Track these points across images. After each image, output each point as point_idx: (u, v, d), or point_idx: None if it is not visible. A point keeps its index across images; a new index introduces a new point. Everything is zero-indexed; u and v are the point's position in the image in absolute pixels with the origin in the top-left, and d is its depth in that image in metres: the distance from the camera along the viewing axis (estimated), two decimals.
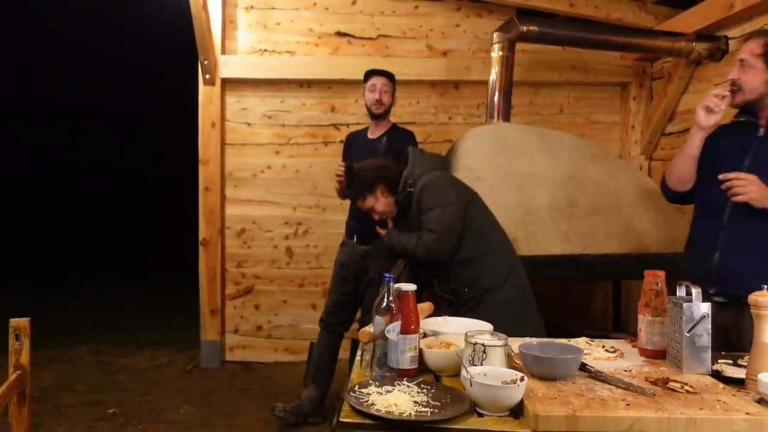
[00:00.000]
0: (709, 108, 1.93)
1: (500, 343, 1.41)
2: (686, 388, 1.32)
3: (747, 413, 1.20)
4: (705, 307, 1.47)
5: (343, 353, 3.48)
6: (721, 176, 1.84)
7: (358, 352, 1.63)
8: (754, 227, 1.88)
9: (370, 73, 3.30)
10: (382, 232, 2.55)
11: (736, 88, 1.92)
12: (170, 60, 9.26)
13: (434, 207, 2.34)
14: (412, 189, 2.43)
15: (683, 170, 2.08)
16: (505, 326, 1.70)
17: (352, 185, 2.56)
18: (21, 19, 12.50)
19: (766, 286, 1.43)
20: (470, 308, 2.30)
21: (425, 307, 1.93)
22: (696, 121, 1.97)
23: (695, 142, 2.01)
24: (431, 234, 2.31)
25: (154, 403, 3.56)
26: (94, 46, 12.90)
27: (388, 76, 3.28)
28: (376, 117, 3.29)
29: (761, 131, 1.96)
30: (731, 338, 1.88)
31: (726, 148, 2.00)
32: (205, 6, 3.92)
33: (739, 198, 1.82)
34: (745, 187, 1.81)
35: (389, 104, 3.29)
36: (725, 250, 1.91)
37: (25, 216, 12.23)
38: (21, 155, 12.67)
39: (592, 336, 1.82)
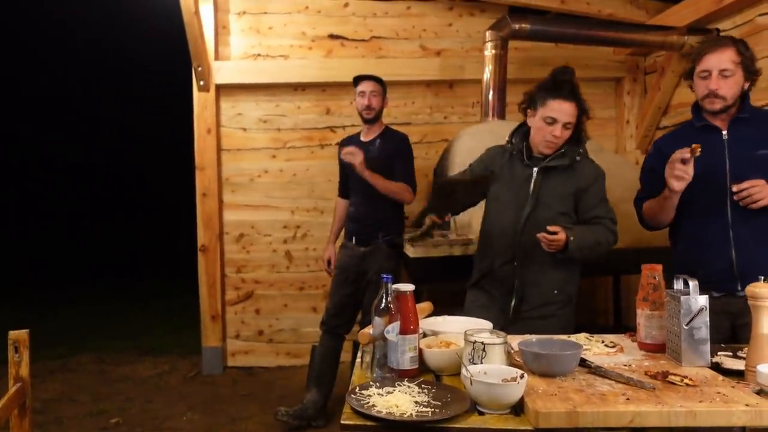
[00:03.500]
0: (679, 176, 1.90)
1: (499, 341, 1.41)
2: (686, 381, 1.33)
3: (746, 405, 1.20)
4: (702, 300, 1.47)
5: (345, 356, 3.48)
6: (735, 188, 1.91)
7: (358, 354, 1.63)
8: (762, 219, 1.93)
9: (358, 79, 3.32)
10: (558, 231, 2.03)
11: (698, 150, 1.84)
12: (164, 67, 9.27)
13: (606, 197, 2.24)
14: (578, 159, 2.20)
15: (664, 218, 2.10)
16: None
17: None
18: (15, 25, 12.49)
19: (763, 278, 1.43)
20: (550, 313, 2.14)
21: (424, 306, 1.93)
22: (670, 187, 1.93)
23: (674, 202, 2.00)
24: (615, 224, 2.20)
25: (157, 411, 3.56)
26: (88, 54, 12.90)
27: (376, 80, 3.29)
28: (368, 122, 3.31)
29: (725, 134, 2.02)
30: None
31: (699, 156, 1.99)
32: (197, 12, 3.92)
33: (761, 203, 1.88)
34: (762, 192, 1.87)
35: (379, 108, 3.30)
36: (741, 246, 1.94)
37: (22, 224, 12.22)
38: (18, 162, 12.66)
39: (593, 331, 1.82)
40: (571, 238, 2.03)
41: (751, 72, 2.00)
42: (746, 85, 2.02)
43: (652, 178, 2.14)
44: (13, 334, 1.62)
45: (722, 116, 2.02)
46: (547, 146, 2.16)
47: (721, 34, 3.45)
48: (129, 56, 12.72)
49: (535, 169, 2.19)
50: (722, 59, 1.96)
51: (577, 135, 2.21)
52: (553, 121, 2.11)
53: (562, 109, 2.10)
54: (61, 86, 12.90)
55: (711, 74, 1.97)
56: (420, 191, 3.37)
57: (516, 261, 2.17)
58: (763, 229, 1.94)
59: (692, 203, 2.03)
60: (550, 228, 2.04)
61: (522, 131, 2.27)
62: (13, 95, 12.24)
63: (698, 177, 1.95)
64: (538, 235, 2.05)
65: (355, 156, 3.07)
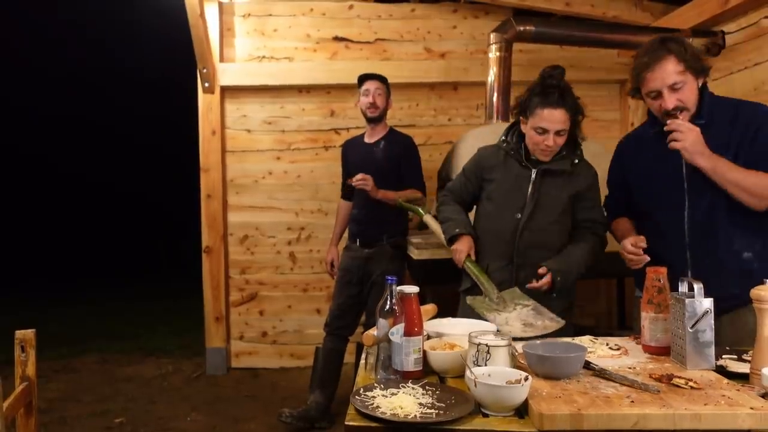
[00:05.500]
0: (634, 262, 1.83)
1: (504, 343, 1.41)
2: (690, 383, 1.32)
3: (751, 408, 1.20)
4: (707, 303, 1.47)
5: (349, 357, 3.49)
6: (669, 122, 1.77)
7: (363, 355, 1.64)
8: (721, 237, 1.81)
9: (363, 78, 3.33)
10: (544, 274, 2.08)
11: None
12: (170, 69, 9.32)
13: (600, 199, 2.23)
14: (577, 161, 2.18)
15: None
16: None
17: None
18: (14, 31, 12.57)
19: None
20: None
21: (429, 308, 1.93)
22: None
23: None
24: (606, 229, 2.19)
25: (160, 412, 3.56)
26: (95, 56, 12.96)
27: (381, 79, 3.30)
28: (372, 121, 3.31)
29: None
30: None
31: (654, 162, 1.91)
32: (202, 14, 3.93)
33: (674, 145, 1.75)
34: (683, 134, 1.74)
35: (383, 107, 3.30)
36: (698, 267, 1.82)
37: (27, 225, 12.28)
38: (23, 166, 12.74)
39: (598, 334, 1.82)
40: (558, 279, 2.06)
41: (700, 70, 1.81)
42: (701, 82, 1.83)
43: (616, 185, 2.08)
44: (19, 333, 1.63)
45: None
46: (542, 155, 2.14)
47: (727, 36, 3.45)
48: (134, 58, 12.78)
49: (534, 171, 2.16)
50: (667, 74, 1.78)
51: (574, 137, 2.16)
52: (543, 131, 2.06)
53: (552, 118, 2.04)
54: (67, 91, 12.98)
55: (661, 93, 1.80)
56: (427, 194, 3.37)
57: (513, 264, 2.18)
58: (721, 248, 1.80)
59: (650, 216, 1.94)
60: (539, 271, 2.07)
61: (517, 130, 2.24)
62: (19, 103, 12.33)
63: (655, 189, 1.88)
64: (528, 285, 2.07)
65: (366, 182, 3.08)
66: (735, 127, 1.81)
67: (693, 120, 1.82)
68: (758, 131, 1.78)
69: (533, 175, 2.16)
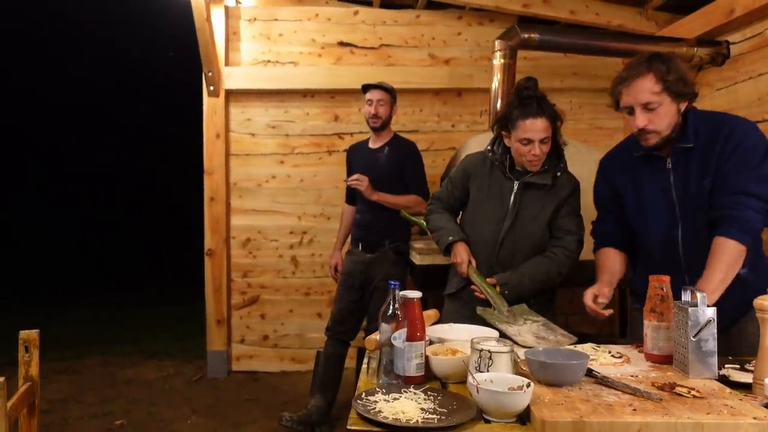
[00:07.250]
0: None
1: (506, 349, 1.41)
2: (693, 392, 1.32)
3: (754, 417, 1.20)
4: (710, 312, 1.47)
5: (350, 362, 3.49)
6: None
7: (365, 360, 1.64)
8: None
9: (366, 87, 3.34)
10: (493, 281, 2.19)
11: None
12: (175, 72, 9.36)
13: (577, 210, 2.26)
14: (559, 174, 2.23)
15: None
16: None
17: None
18: (36, 31, 12.66)
19: None
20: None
21: (431, 314, 1.93)
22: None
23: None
24: (577, 244, 2.22)
25: (161, 414, 3.57)
26: (101, 60, 13.03)
27: (384, 89, 3.31)
28: (375, 130, 3.33)
29: (669, 162, 1.82)
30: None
31: (643, 185, 1.88)
32: (208, 18, 3.96)
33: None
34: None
35: (386, 117, 3.32)
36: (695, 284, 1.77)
37: (31, 228, 12.30)
38: (28, 168, 12.78)
39: (600, 342, 1.82)
40: (506, 291, 2.15)
41: (680, 94, 1.74)
42: (683, 107, 1.77)
43: (607, 202, 2.05)
44: (23, 333, 1.64)
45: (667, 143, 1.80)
46: (530, 165, 2.18)
47: (731, 46, 3.45)
48: (140, 61, 12.84)
49: (516, 183, 2.22)
50: (641, 92, 1.73)
51: (557, 147, 2.22)
52: (528, 142, 2.12)
53: (534, 128, 2.10)
54: (72, 93, 13.04)
55: (634, 110, 1.76)
56: None
57: (493, 273, 2.22)
58: None
59: (642, 236, 1.91)
60: (488, 280, 2.19)
61: (503, 140, 2.27)
62: (25, 102, 12.39)
63: (646, 211, 1.87)
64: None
65: (361, 182, 3.13)
66: (715, 144, 1.76)
67: (679, 144, 1.80)
68: (738, 146, 1.72)
69: (515, 187, 2.22)
